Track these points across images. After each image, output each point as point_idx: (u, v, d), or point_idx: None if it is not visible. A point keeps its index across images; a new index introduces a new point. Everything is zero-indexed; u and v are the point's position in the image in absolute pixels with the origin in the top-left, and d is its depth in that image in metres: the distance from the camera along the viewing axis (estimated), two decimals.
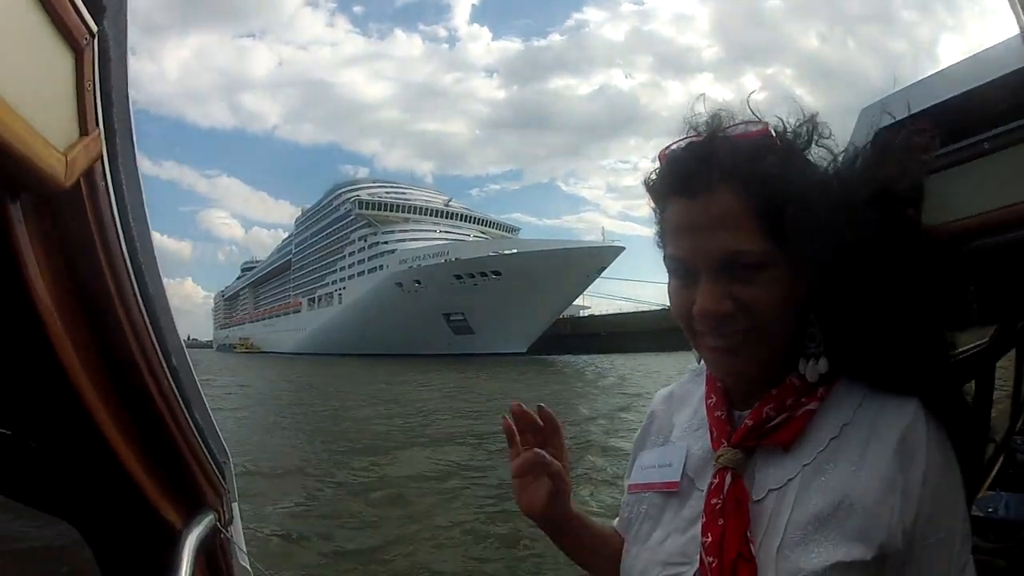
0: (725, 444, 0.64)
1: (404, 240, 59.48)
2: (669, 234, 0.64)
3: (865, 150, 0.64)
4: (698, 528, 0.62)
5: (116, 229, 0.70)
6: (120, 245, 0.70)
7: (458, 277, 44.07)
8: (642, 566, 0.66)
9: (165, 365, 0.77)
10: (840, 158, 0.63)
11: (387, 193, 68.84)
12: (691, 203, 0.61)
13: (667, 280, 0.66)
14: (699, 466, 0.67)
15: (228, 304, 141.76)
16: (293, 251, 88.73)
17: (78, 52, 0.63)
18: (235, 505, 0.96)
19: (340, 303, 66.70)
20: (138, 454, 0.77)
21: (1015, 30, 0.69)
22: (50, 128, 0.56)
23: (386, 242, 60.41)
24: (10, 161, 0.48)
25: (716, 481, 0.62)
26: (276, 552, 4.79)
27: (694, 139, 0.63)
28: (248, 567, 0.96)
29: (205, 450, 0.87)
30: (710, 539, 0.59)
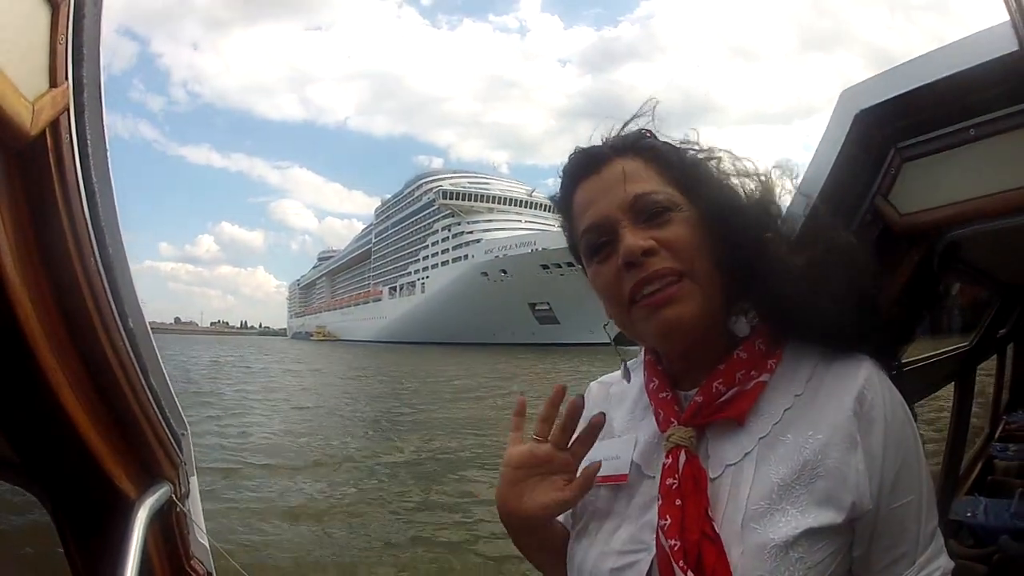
0: (675, 423, 0.62)
1: (489, 230, 60.08)
2: (580, 215, 0.65)
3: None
4: (652, 514, 0.60)
5: (78, 184, 0.70)
6: (81, 200, 0.70)
7: (544, 267, 44.22)
8: (593, 559, 0.62)
9: (121, 326, 0.77)
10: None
11: (470, 183, 69.57)
12: (594, 176, 0.64)
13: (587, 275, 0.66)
14: (647, 452, 0.65)
15: (303, 293, 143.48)
16: (373, 240, 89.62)
17: (55, 6, 0.65)
18: (193, 479, 0.94)
19: (423, 292, 67.39)
20: (91, 415, 0.76)
21: (1004, 16, 0.69)
22: (21, 77, 0.57)
23: (471, 232, 61.07)
24: None
25: (669, 461, 0.60)
26: None
27: None
28: (206, 543, 0.94)
29: (161, 418, 0.85)
30: (669, 521, 0.57)
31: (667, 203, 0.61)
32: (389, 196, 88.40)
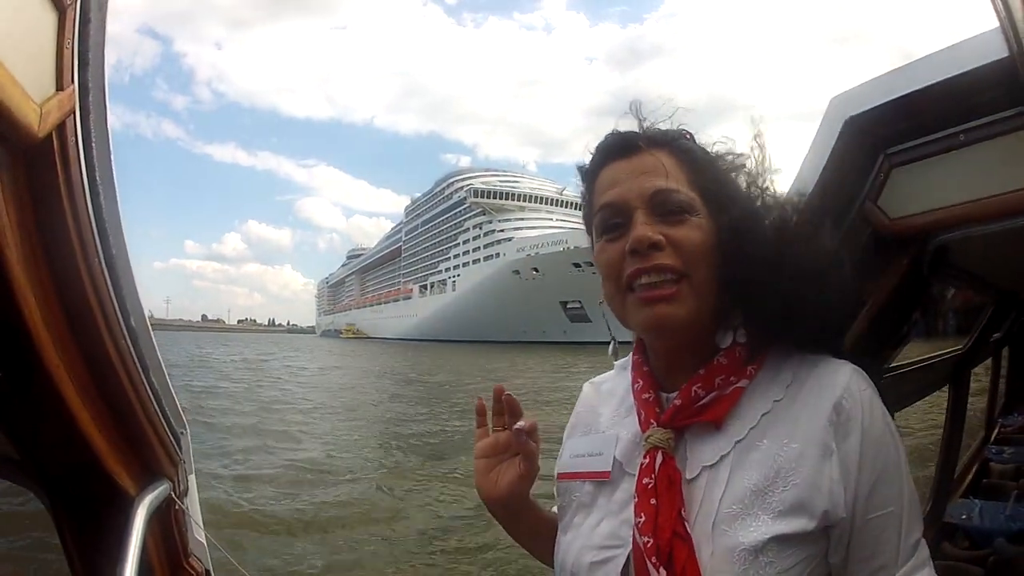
0: (654, 424, 0.63)
1: (520, 228, 60.48)
2: (601, 191, 0.66)
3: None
4: (630, 510, 0.61)
5: (83, 185, 0.72)
6: (86, 201, 0.72)
7: (576, 265, 44.45)
8: (575, 552, 0.65)
9: (124, 325, 0.78)
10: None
11: (500, 182, 70.11)
12: (625, 160, 0.65)
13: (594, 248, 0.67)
14: (629, 450, 0.67)
15: (332, 291, 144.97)
16: (403, 238, 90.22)
17: (61, 11, 0.67)
18: (191, 477, 0.95)
19: (454, 290, 68.13)
20: (92, 413, 0.77)
21: (994, 23, 0.69)
22: (29, 80, 0.59)
23: (502, 230, 61.53)
24: None
25: (647, 461, 0.62)
26: None
27: None
28: (203, 541, 0.95)
29: (161, 417, 0.86)
30: (644, 519, 0.58)
31: (686, 205, 0.62)
32: (419, 194, 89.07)
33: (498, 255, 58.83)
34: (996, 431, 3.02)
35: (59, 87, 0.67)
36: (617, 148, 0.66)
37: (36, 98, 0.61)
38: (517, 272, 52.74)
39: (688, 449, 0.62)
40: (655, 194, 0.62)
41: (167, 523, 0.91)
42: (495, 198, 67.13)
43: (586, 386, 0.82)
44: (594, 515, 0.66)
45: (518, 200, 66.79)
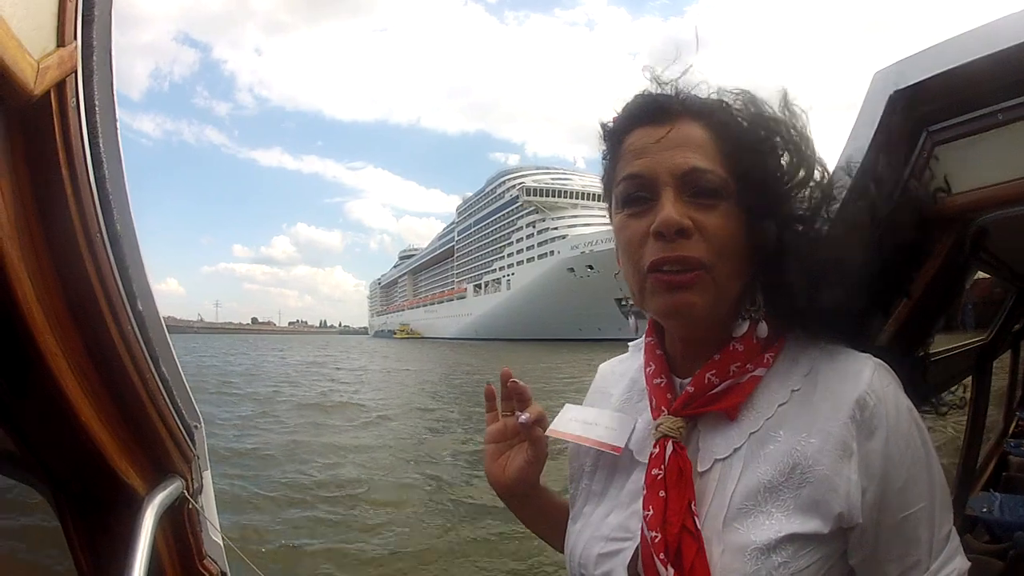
0: (665, 412, 0.60)
1: (575, 226, 60.82)
2: (627, 158, 0.60)
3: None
4: (640, 502, 0.58)
5: (84, 152, 0.64)
6: (87, 169, 0.64)
7: None
8: (584, 543, 0.62)
9: (130, 309, 0.70)
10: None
11: (552, 179, 70.40)
12: (657, 128, 0.59)
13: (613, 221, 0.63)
14: (640, 438, 0.64)
15: (384, 292, 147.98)
16: (456, 238, 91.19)
17: None
18: (206, 474, 0.89)
19: (508, 288, 69.15)
20: (96, 405, 0.70)
21: None
22: (25, 31, 0.52)
23: (555, 228, 62.19)
24: None
25: (656, 451, 0.58)
26: None
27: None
28: (219, 541, 0.89)
29: (172, 410, 0.79)
30: (652, 512, 0.55)
31: (720, 188, 0.57)
32: (470, 194, 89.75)
33: (552, 253, 59.31)
34: (1015, 424, 2.99)
35: (60, 43, 0.59)
36: (650, 112, 0.60)
37: (33, 52, 0.54)
38: (571, 270, 53.38)
39: (700, 440, 0.59)
40: (688, 172, 0.57)
41: (180, 523, 0.85)
42: (547, 196, 67.52)
43: (602, 366, 0.79)
44: (604, 505, 0.64)
45: (570, 197, 67.00)
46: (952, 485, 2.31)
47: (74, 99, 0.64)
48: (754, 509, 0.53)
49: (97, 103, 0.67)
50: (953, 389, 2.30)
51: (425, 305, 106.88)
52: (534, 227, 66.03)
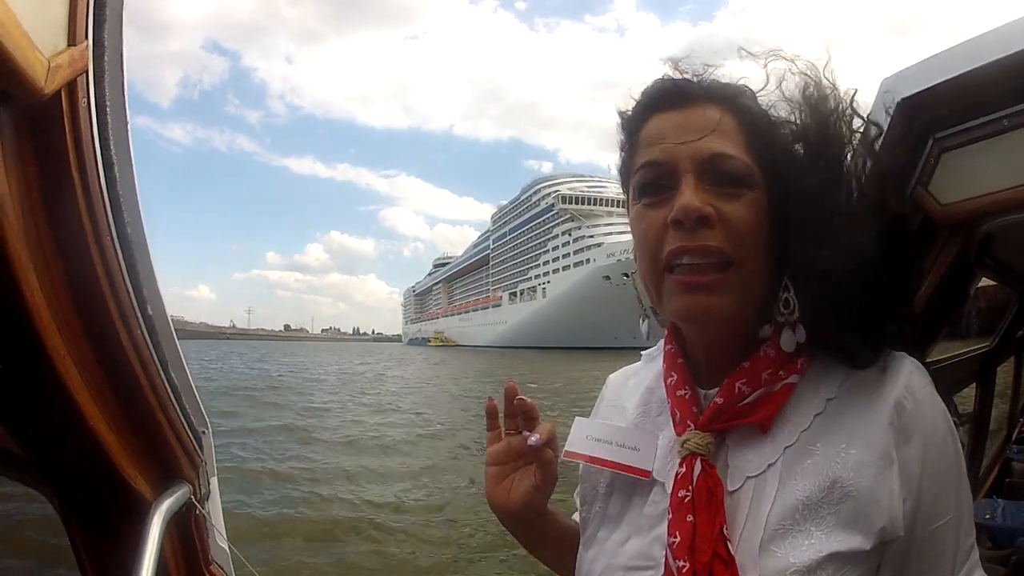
0: (691, 427, 0.55)
1: (611, 233, 60.69)
2: (645, 145, 0.56)
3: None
4: (663, 527, 0.53)
5: (95, 152, 0.63)
6: (98, 170, 0.63)
7: None
8: (599, 572, 0.57)
9: (139, 314, 0.69)
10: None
11: (587, 187, 70.32)
12: (678, 112, 0.55)
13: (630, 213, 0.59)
14: (662, 455, 0.58)
15: (419, 299, 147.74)
16: (491, 246, 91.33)
17: None
18: (214, 480, 0.87)
19: (544, 296, 68.99)
20: (105, 409, 0.69)
21: None
22: (36, 29, 0.50)
23: (591, 236, 62.11)
24: None
25: (683, 470, 0.53)
26: None
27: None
28: (226, 548, 0.88)
29: (181, 415, 0.78)
30: (679, 539, 0.50)
31: (745, 176, 0.53)
32: (505, 202, 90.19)
33: (588, 261, 59.42)
34: (1018, 430, 2.99)
35: (71, 42, 0.58)
36: (669, 96, 0.56)
37: (44, 51, 0.53)
38: (608, 277, 53.45)
39: (730, 456, 0.54)
40: (710, 158, 0.53)
41: (187, 529, 0.84)
42: (583, 203, 67.45)
43: (612, 377, 0.73)
44: (621, 531, 0.58)
45: (606, 205, 66.98)
46: None
47: (85, 99, 0.62)
48: (792, 529, 0.49)
49: (108, 104, 0.66)
50: (959, 403, 2.31)
51: (459, 313, 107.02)
52: (570, 235, 66.07)
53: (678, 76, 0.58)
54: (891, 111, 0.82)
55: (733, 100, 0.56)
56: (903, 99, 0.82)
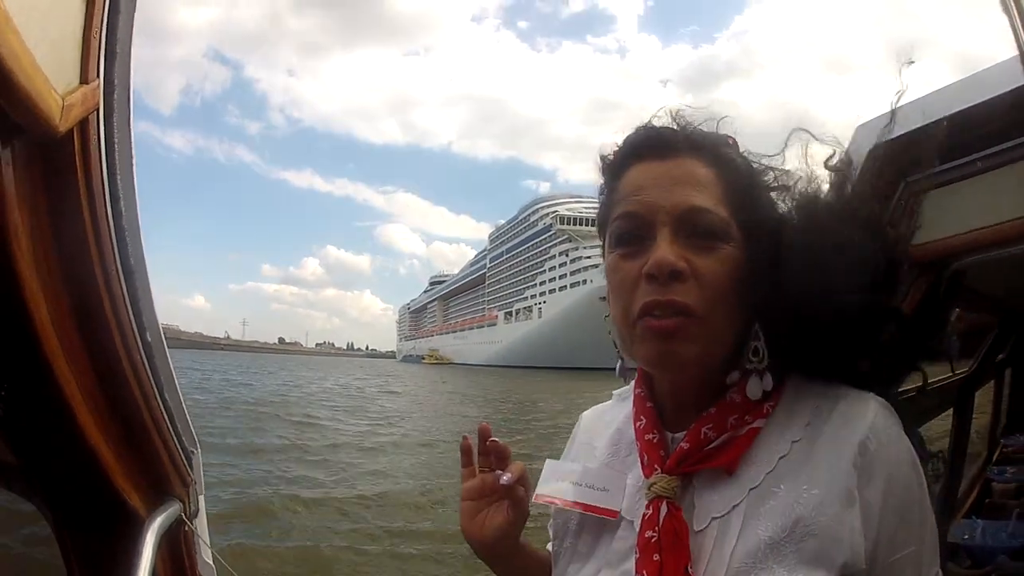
0: (658, 470, 0.57)
1: None
2: (624, 194, 0.58)
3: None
4: (630, 563, 0.55)
5: (104, 187, 0.67)
6: (105, 204, 0.67)
7: None
8: None
9: (139, 339, 0.74)
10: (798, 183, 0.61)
11: (585, 208, 70.37)
12: (658, 163, 0.57)
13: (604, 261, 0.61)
14: (630, 495, 0.60)
15: (414, 317, 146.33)
16: (487, 265, 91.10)
17: (90, 0, 0.62)
18: (201, 498, 0.91)
19: (539, 316, 68.50)
20: (102, 428, 0.73)
21: (1014, 51, 0.70)
22: (51, 69, 0.54)
23: (588, 257, 61.59)
24: (13, 96, 0.46)
25: (650, 512, 0.55)
26: None
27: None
28: (211, 562, 0.91)
29: (173, 435, 0.82)
30: None
31: (719, 230, 0.55)
32: (503, 221, 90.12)
33: (585, 282, 59.32)
34: (998, 451, 3.04)
35: (83, 80, 0.62)
36: (651, 146, 0.58)
37: (58, 89, 0.56)
38: (604, 299, 53.66)
39: (696, 496, 0.56)
40: (687, 212, 0.54)
41: (176, 544, 0.87)
42: (581, 224, 67.52)
43: (585, 415, 0.75)
44: (590, 566, 0.60)
45: None
46: (934, 513, 2.34)
47: (96, 136, 0.67)
48: (755, 567, 0.50)
49: (116, 140, 0.70)
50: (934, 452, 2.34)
51: (455, 331, 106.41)
52: (567, 256, 66.06)
53: (662, 126, 0.60)
54: (863, 158, 0.85)
55: (714, 151, 0.58)
56: (875, 146, 0.84)
